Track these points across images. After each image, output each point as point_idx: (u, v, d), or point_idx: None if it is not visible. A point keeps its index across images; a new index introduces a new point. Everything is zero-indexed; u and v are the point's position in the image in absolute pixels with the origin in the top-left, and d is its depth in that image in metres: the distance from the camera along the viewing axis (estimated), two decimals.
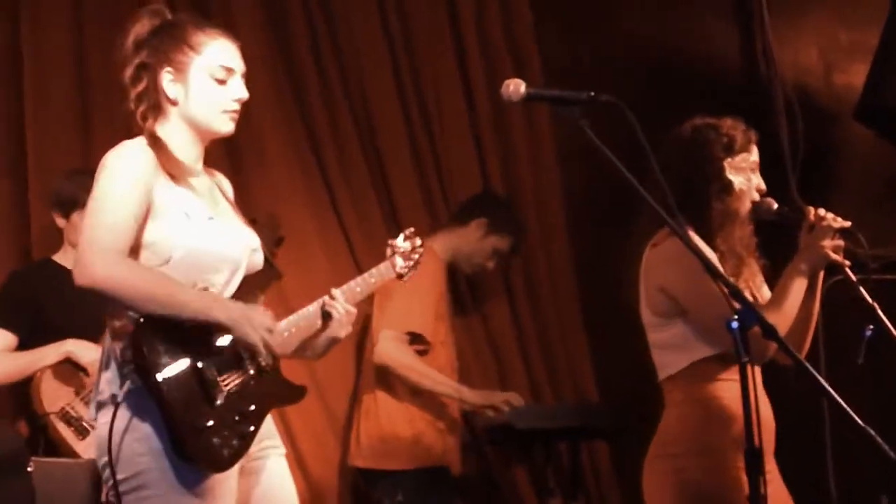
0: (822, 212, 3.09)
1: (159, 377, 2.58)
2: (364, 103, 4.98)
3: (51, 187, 4.17)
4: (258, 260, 2.87)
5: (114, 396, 2.63)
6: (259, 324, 2.70)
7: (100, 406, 2.69)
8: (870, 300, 2.99)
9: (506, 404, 4.50)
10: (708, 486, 3.02)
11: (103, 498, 2.89)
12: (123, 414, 2.61)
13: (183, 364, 2.62)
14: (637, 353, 3.28)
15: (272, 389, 2.82)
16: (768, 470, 2.63)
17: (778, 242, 3.16)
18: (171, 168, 2.73)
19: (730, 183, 3.15)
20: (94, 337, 3.97)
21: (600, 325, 5.05)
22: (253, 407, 2.73)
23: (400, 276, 3.25)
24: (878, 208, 5.11)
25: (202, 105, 2.78)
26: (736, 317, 2.38)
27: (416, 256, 3.27)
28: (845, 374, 2.95)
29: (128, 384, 2.60)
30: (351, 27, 5.00)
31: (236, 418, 2.68)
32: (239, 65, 2.84)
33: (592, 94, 2.56)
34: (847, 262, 3.06)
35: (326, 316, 2.97)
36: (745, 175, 3.17)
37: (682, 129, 3.24)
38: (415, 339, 4.42)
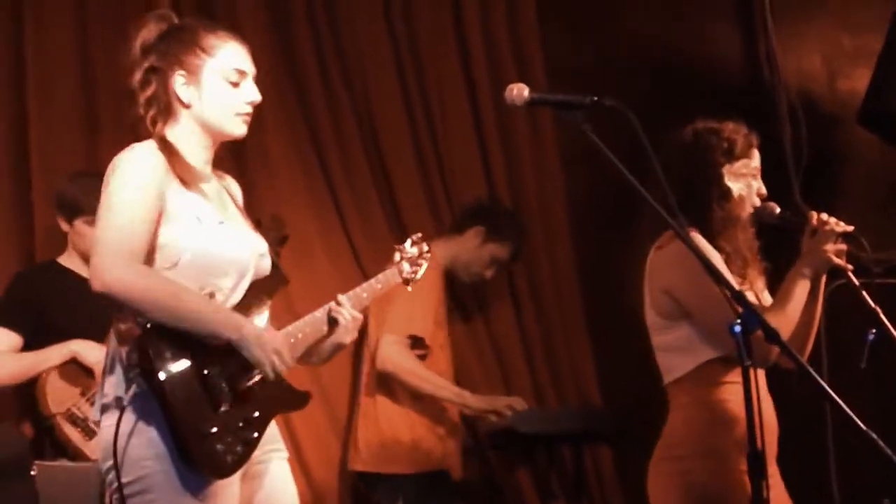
0: (824, 216, 3.09)
1: (164, 382, 2.58)
2: (367, 105, 4.98)
3: (55, 189, 4.17)
4: (266, 265, 2.87)
5: (119, 399, 2.63)
6: (269, 347, 2.69)
7: (104, 409, 2.69)
8: (872, 304, 3.00)
9: (508, 409, 4.50)
10: (713, 489, 3.03)
11: (107, 501, 2.88)
12: (129, 417, 2.61)
13: (188, 369, 2.62)
14: (640, 356, 3.29)
15: (277, 395, 2.81)
16: (770, 474, 2.63)
17: (780, 246, 3.17)
18: (183, 173, 2.73)
19: (729, 190, 3.15)
20: (99, 338, 3.97)
21: (603, 329, 5.05)
22: (257, 413, 2.73)
23: (406, 282, 3.24)
24: (881, 212, 5.12)
25: (215, 108, 2.78)
26: (738, 320, 2.38)
27: (423, 262, 3.26)
28: (848, 377, 2.95)
29: (133, 388, 2.60)
30: (355, 29, 4.99)
31: (240, 424, 2.68)
32: (251, 67, 2.84)
33: (596, 98, 2.56)
34: (850, 267, 3.06)
35: (332, 322, 2.96)
36: (745, 181, 3.18)
37: (683, 132, 3.25)
38: (416, 343, 4.43)
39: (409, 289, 3.33)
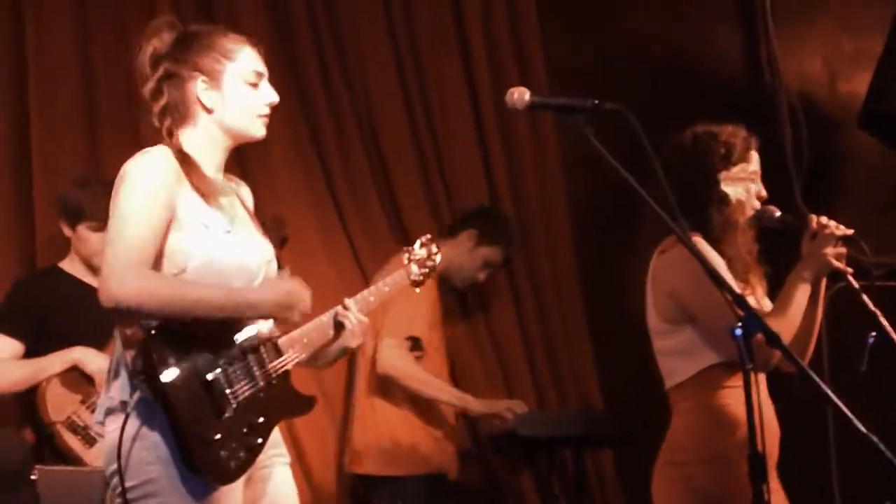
0: (824, 219, 3.09)
1: (168, 388, 2.59)
2: (368, 105, 4.98)
3: (58, 194, 4.17)
4: (272, 271, 2.87)
5: (124, 404, 2.63)
6: (293, 305, 2.75)
7: (109, 413, 2.69)
8: (872, 307, 3.00)
9: (509, 412, 4.51)
10: (717, 494, 3.03)
11: None
12: (133, 422, 2.61)
13: (192, 375, 2.63)
14: (642, 359, 3.29)
15: (281, 400, 2.82)
16: (770, 478, 2.63)
17: (781, 250, 3.17)
18: (201, 185, 2.74)
19: (726, 195, 3.15)
20: (100, 345, 3.98)
21: (605, 332, 5.05)
22: (262, 419, 2.73)
23: (415, 284, 3.24)
24: (882, 216, 5.12)
25: (238, 111, 2.79)
26: (740, 324, 2.39)
27: (432, 264, 3.25)
28: (848, 380, 2.95)
29: (138, 393, 2.61)
30: (355, 29, 5.00)
31: (244, 430, 2.68)
32: (265, 69, 2.86)
33: (597, 101, 2.56)
34: (849, 270, 3.05)
35: (339, 326, 2.97)
36: (743, 185, 3.18)
37: (683, 135, 3.25)
38: (414, 344, 4.43)
39: (418, 290, 3.33)
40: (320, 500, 4.62)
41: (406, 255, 3.23)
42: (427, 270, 3.23)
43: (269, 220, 4.08)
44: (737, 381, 3.00)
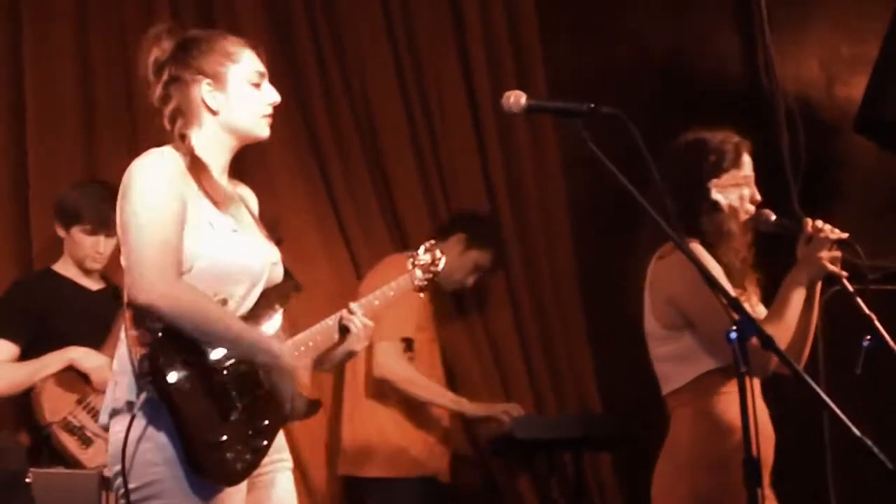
0: (819, 223, 3.09)
1: (175, 391, 2.60)
2: (367, 106, 4.98)
3: (55, 196, 4.17)
4: (278, 274, 2.88)
5: (130, 404, 2.64)
6: (295, 378, 2.76)
7: (114, 413, 2.69)
8: (867, 311, 3.00)
9: (505, 415, 4.52)
10: (718, 499, 3.03)
11: None
12: (139, 423, 2.62)
13: (199, 378, 2.64)
14: (641, 362, 3.29)
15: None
16: (764, 485, 2.63)
17: (777, 253, 3.18)
18: (210, 187, 2.76)
19: (717, 203, 3.16)
20: (97, 345, 3.99)
21: (604, 334, 5.04)
22: (267, 422, 2.75)
23: (419, 289, 3.24)
24: (879, 219, 5.12)
25: (243, 112, 2.82)
26: (735, 327, 2.39)
27: (435, 269, 3.25)
28: (844, 383, 2.96)
29: (144, 394, 2.61)
30: (354, 30, 5.00)
31: (250, 432, 2.69)
32: (265, 69, 2.88)
33: (593, 105, 2.56)
34: (844, 273, 3.06)
35: (344, 330, 2.98)
36: (736, 192, 3.18)
37: (676, 143, 3.25)
38: (407, 346, 4.44)
39: (422, 295, 3.34)
40: (317, 501, 4.62)
41: (410, 260, 3.24)
42: (431, 275, 3.23)
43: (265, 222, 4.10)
44: (733, 387, 2.98)
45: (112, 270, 4.21)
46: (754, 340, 2.42)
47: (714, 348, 3.05)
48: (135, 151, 4.38)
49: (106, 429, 2.74)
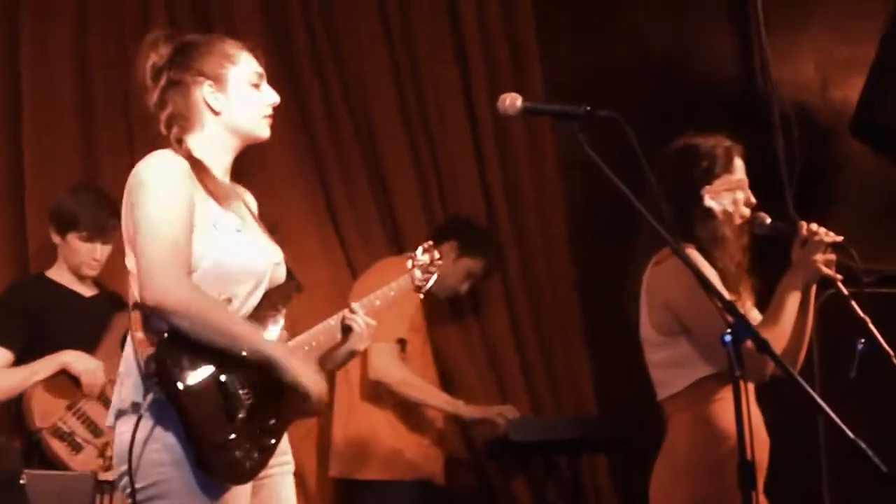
0: (814, 226, 3.09)
1: (182, 392, 2.60)
2: (364, 110, 4.98)
3: (52, 201, 4.17)
4: (281, 274, 2.89)
5: (136, 405, 2.64)
6: (313, 377, 2.76)
7: (119, 415, 2.70)
8: (861, 314, 3.01)
9: (501, 417, 4.52)
10: None
11: None
12: (146, 423, 2.63)
13: (206, 378, 2.65)
14: (637, 364, 3.29)
15: (292, 402, 2.83)
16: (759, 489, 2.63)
17: (771, 257, 3.18)
18: (213, 187, 2.77)
19: (710, 210, 3.16)
20: (91, 349, 3.99)
21: (601, 336, 5.04)
22: (274, 420, 2.76)
23: (419, 289, 3.26)
24: (875, 223, 5.12)
25: (244, 112, 2.83)
26: (729, 330, 2.40)
27: (434, 270, 3.27)
28: (838, 387, 2.96)
29: (151, 395, 2.62)
30: (352, 33, 5.00)
31: (257, 432, 2.70)
32: (263, 70, 2.90)
33: (589, 108, 2.56)
34: (839, 277, 3.07)
35: (346, 329, 2.99)
36: (729, 196, 3.17)
37: (670, 149, 3.25)
38: (402, 347, 4.45)
39: (421, 296, 3.35)
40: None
41: (410, 261, 3.25)
42: (430, 276, 3.26)
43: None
44: (730, 394, 2.95)
45: (106, 277, 4.21)
46: (750, 344, 2.43)
47: (710, 354, 3.05)
48: (132, 154, 4.41)
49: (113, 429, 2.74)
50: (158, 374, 2.61)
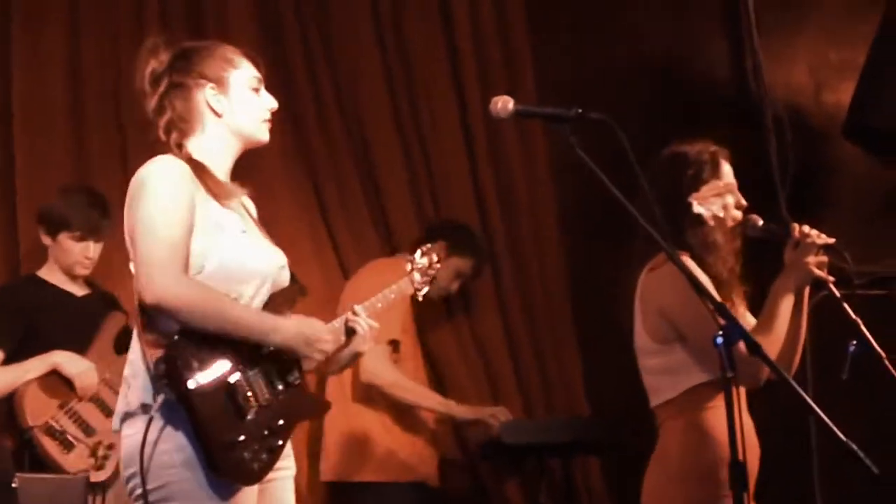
0: (806, 228, 3.09)
1: (192, 393, 2.62)
2: (357, 113, 4.99)
3: (41, 203, 4.16)
4: (285, 277, 2.91)
5: (145, 406, 2.66)
6: (315, 340, 2.79)
7: (126, 417, 2.70)
8: (853, 316, 3.01)
9: (493, 418, 4.52)
10: None
11: None
12: (156, 425, 2.64)
13: (216, 380, 2.66)
14: (630, 366, 3.28)
15: (299, 404, 2.86)
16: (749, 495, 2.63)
17: (764, 259, 3.18)
18: (216, 188, 2.79)
19: (699, 216, 3.15)
20: (82, 350, 3.98)
21: (593, 338, 5.04)
22: (282, 421, 2.78)
23: (417, 292, 3.28)
24: (868, 225, 5.13)
25: (245, 115, 2.86)
26: (721, 332, 2.39)
27: (433, 272, 3.29)
28: (830, 389, 2.96)
29: (161, 396, 2.63)
30: (344, 37, 5.00)
31: (265, 433, 2.72)
32: (262, 76, 2.93)
33: (580, 111, 2.56)
34: (831, 279, 3.06)
35: (350, 332, 3.01)
36: (718, 201, 3.16)
37: (659, 158, 3.24)
38: (394, 348, 4.45)
39: (420, 298, 3.35)
40: None
41: (409, 263, 3.26)
42: (429, 279, 3.28)
43: None
44: (723, 401, 2.99)
45: (99, 276, 4.21)
46: (742, 347, 2.43)
47: (705, 360, 3.04)
48: (123, 156, 4.40)
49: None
50: (168, 375, 2.62)
